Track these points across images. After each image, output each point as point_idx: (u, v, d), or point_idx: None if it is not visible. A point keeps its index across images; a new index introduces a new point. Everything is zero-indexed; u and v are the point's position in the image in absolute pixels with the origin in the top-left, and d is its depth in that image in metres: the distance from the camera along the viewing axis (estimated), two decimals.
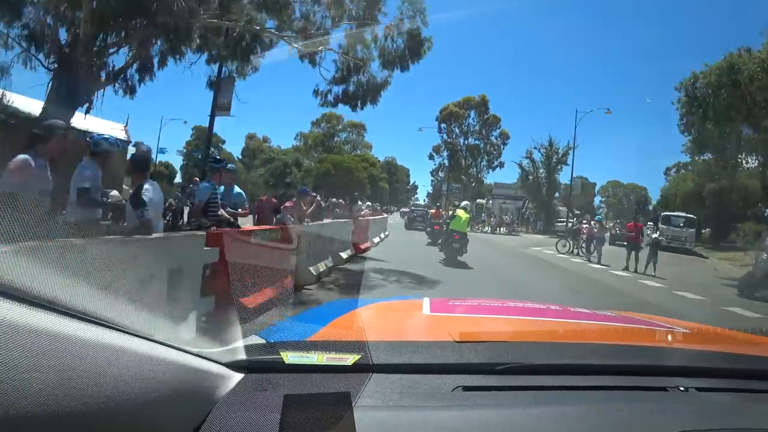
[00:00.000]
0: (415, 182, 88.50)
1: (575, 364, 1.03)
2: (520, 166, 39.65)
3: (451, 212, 14.18)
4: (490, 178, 53.38)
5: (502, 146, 52.07)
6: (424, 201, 66.55)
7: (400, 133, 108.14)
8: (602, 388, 0.94)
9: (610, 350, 1.14)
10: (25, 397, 0.49)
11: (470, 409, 0.83)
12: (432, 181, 66.50)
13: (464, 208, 12.37)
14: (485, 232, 32.37)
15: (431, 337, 1.22)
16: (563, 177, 39.43)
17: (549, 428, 0.81)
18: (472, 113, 52.26)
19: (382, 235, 17.25)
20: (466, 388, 0.89)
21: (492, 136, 52.35)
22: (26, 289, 0.55)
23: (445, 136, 52.94)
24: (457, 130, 52.66)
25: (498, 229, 33.05)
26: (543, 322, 1.57)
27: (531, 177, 39.04)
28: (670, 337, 1.40)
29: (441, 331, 1.21)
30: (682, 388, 0.97)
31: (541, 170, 38.80)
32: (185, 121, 53.89)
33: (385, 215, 24.38)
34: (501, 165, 51.90)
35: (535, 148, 38.75)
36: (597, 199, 64.93)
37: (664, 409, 0.89)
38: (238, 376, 0.88)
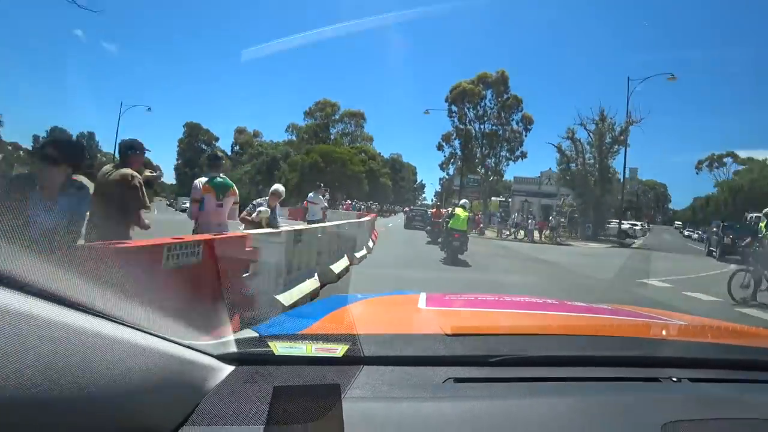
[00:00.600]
0: (422, 180, 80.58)
1: (570, 355, 1.03)
2: (559, 149, 29.67)
3: (450, 210, 13.33)
4: (510, 171, 44.00)
5: (524, 133, 42.76)
6: (432, 200, 58.62)
7: (406, 128, 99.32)
8: (597, 379, 0.95)
9: (605, 342, 1.15)
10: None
11: (461, 400, 0.83)
12: (440, 179, 57.45)
13: (463, 206, 11.83)
14: (521, 240, 23.06)
15: (424, 330, 1.20)
16: (616, 165, 29.57)
17: (543, 418, 0.80)
18: (489, 93, 42.89)
19: (357, 256, 8.64)
20: (458, 380, 0.89)
21: (512, 121, 43.04)
22: (5, 273, 0.56)
23: (456, 121, 43.49)
24: (471, 114, 43.23)
25: (537, 235, 23.59)
26: (538, 316, 1.58)
27: (576, 164, 29.11)
28: (664, 330, 1.41)
29: (434, 325, 1.20)
30: (674, 379, 0.97)
31: (588, 155, 28.97)
32: (149, 108, 44.65)
33: (368, 217, 15.40)
34: (523, 155, 42.61)
35: (581, 124, 28.73)
36: None
37: (656, 400, 0.89)
38: (228, 368, 0.88)
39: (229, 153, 67.51)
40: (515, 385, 0.90)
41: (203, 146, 69.14)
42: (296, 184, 47.71)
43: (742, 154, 54.42)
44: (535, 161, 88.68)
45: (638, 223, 40.31)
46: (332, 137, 59.97)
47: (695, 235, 43.05)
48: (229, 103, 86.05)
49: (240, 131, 68.75)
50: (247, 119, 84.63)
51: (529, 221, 23.95)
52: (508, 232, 24.98)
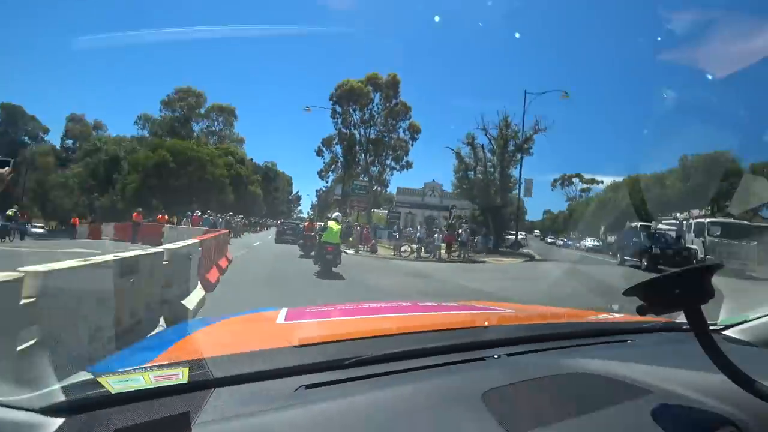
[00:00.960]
0: (297, 192, 74.27)
1: (410, 350, 1.11)
2: (458, 155, 26.68)
3: (323, 223, 13.07)
4: (394, 182, 41.37)
5: (410, 142, 40.10)
6: (309, 213, 53.26)
7: (283, 135, 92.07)
8: (435, 366, 1.05)
9: (443, 334, 1.32)
10: None
11: (311, 405, 0.85)
12: (317, 191, 51.90)
13: (336, 219, 12.21)
14: (426, 259, 18.65)
15: (276, 344, 1.19)
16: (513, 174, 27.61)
17: (389, 407, 0.86)
18: (377, 97, 39.13)
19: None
20: (309, 386, 0.91)
21: (399, 128, 40.01)
22: None
23: (340, 123, 38.76)
24: (356, 117, 38.92)
25: (445, 252, 19.45)
26: (386, 319, 1.71)
27: (475, 172, 26.22)
28: (488, 320, 1.60)
29: (286, 338, 1.22)
30: (496, 356, 1.14)
31: (488, 162, 26.32)
32: None
33: (196, 240, 8.78)
34: (409, 165, 40.12)
35: (482, 128, 26.09)
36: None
37: (480, 375, 1.03)
38: (57, 422, 0.76)
39: (59, 147, 52.35)
40: (362, 383, 0.94)
41: (26, 139, 52.61)
42: (136, 189, 37.23)
43: (587, 176, 63.66)
44: (420, 172, 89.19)
45: (523, 233, 40.57)
46: (195, 135, 50.04)
47: (559, 242, 49.17)
48: (66, 87, 68.27)
49: (75, 119, 53.31)
50: (88, 107, 68.02)
51: (436, 236, 19.78)
52: (409, 249, 20.48)
